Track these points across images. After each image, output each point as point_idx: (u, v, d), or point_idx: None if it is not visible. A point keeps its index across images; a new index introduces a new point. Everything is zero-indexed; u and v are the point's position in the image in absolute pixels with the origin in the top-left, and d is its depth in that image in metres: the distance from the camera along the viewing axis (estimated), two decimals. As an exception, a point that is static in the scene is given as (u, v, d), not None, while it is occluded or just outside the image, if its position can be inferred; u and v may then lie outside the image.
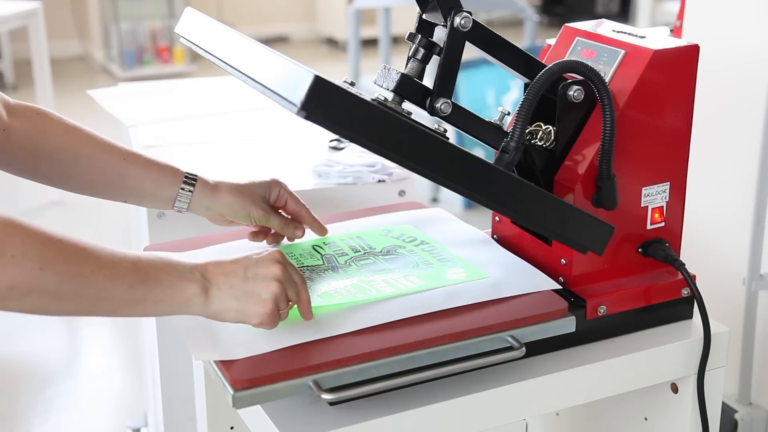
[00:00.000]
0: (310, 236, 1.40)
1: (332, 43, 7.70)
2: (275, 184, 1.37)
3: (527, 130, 1.26)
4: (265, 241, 1.37)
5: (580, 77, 1.23)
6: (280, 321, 1.13)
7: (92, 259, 1.01)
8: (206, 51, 1.19)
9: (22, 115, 1.30)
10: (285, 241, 1.37)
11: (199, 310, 1.08)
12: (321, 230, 1.39)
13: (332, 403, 1.11)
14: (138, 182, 1.34)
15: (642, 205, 1.29)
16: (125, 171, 1.33)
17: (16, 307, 0.97)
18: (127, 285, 1.03)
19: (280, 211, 1.38)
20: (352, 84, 1.14)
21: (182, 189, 1.34)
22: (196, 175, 1.35)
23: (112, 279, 1.02)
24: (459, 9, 1.18)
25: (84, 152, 1.32)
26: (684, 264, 1.29)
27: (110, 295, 1.02)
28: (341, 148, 1.85)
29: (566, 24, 1.38)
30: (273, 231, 1.37)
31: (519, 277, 1.26)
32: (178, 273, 1.07)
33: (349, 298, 1.21)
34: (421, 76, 1.22)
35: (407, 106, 1.18)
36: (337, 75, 1.11)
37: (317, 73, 0.96)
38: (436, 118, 1.19)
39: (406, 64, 1.23)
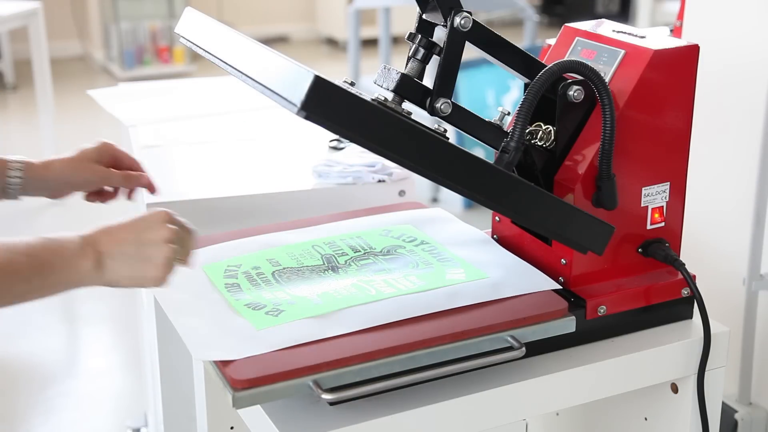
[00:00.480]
0: (310, 236, 1.40)
1: (332, 43, 7.70)
2: (105, 146, 1.44)
3: (527, 130, 1.26)
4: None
5: (580, 77, 1.23)
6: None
7: None
8: (206, 51, 1.19)
9: None
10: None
11: (96, 282, 1.12)
12: (150, 187, 1.48)
13: (332, 403, 1.11)
14: None
15: (642, 205, 1.29)
16: None
17: None
18: (23, 279, 1.07)
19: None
20: (352, 84, 1.14)
21: (9, 176, 1.36)
22: (22, 160, 1.38)
23: (8, 276, 1.06)
24: (459, 9, 1.18)
25: None
26: (684, 264, 1.29)
27: (9, 290, 1.07)
28: (341, 148, 1.85)
29: (566, 24, 1.38)
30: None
31: (519, 278, 1.26)
32: (70, 253, 1.10)
33: (349, 298, 1.21)
34: (421, 76, 1.22)
35: (407, 106, 1.18)
36: (337, 75, 1.11)
37: (317, 73, 0.96)
38: (436, 118, 1.19)
39: (406, 64, 1.23)
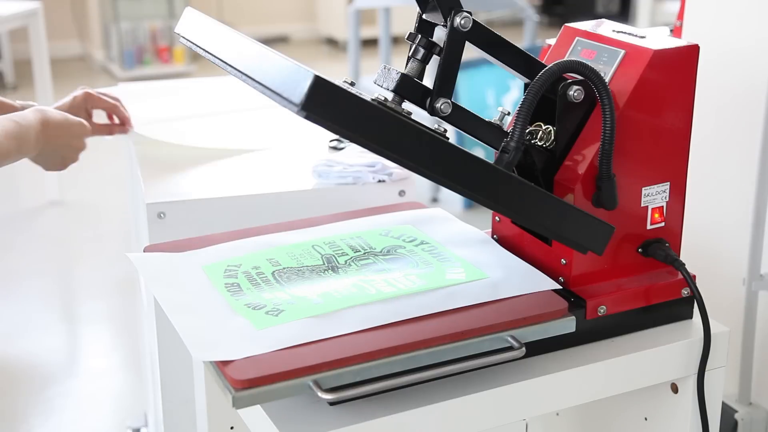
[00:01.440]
0: (310, 236, 1.40)
1: (332, 43, 7.70)
2: (81, 96, 1.73)
3: (527, 130, 1.26)
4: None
5: (580, 77, 1.23)
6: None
7: None
8: (206, 51, 1.19)
9: None
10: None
11: (29, 155, 1.50)
12: (123, 128, 1.85)
13: (332, 403, 1.11)
14: None
15: (642, 205, 1.29)
16: None
17: None
18: (10, 159, 1.44)
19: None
20: (352, 84, 1.14)
21: None
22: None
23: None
24: (459, 9, 1.18)
25: None
26: (684, 264, 1.29)
27: None
28: (341, 148, 1.85)
29: (566, 24, 1.38)
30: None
31: (519, 278, 1.26)
32: (24, 130, 1.45)
33: (350, 297, 1.21)
34: (421, 76, 1.22)
35: (407, 106, 1.18)
36: (337, 75, 1.11)
37: (317, 73, 0.96)
38: (436, 118, 1.19)
39: (406, 64, 1.23)
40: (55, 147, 1.52)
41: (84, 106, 1.74)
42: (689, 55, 1.26)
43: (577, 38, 1.34)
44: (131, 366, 3.11)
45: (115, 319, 3.49)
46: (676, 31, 2.13)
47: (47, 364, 3.14)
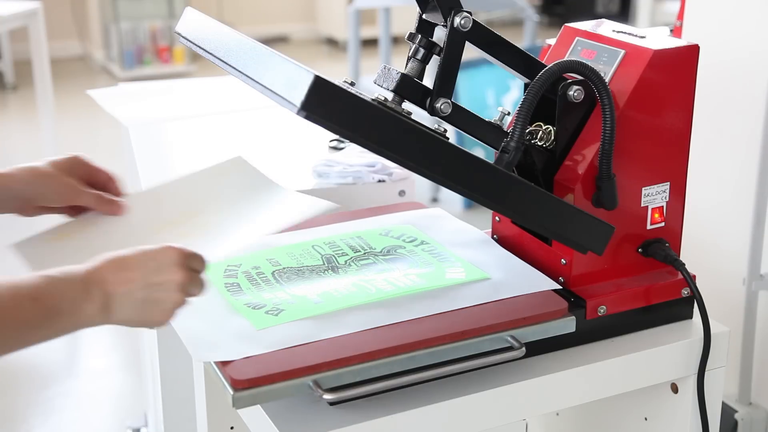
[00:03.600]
0: (310, 236, 1.40)
1: (332, 43, 7.70)
2: (76, 159, 1.27)
3: (527, 130, 1.26)
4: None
5: (580, 77, 1.23)
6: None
7: None
8: (206, 51, 1.19)
9: None
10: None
11: (102, 323, 1.04)
12: (117, 209, 1.28)
13: (332, 403, 1.11)
14: None
15: (642, 205, 1.29)
16: None
17: None
18: (33, 327, 0.99)
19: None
20: (352, 84, 1.14)
21: None
22: None
23: (18, 327, 0.99)
24: (459, 9, 1.18)
25: None
26: (684, 264, 1.29)
27: (17, 340, 1.00)
28: (341, 148, 1.85)
29: (566, 24, 1.38)
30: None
31: (519, 278, 1.26)
32: (77, 296, 1.01)
33: (350, 297, 1.21)
34: (421, 76, 1.22)
35: (407, 106, 1.18)
36: (337, 75, 1.11)
37: (317, 73, 0.96)
38: (436, 118, 1.19)
39: (406, 64, 1.23)
40: (133, 294, 1.04)
41: (79, 168, 1.28)
42: (689, 55, 1.26)
43: (577, 38, 1.34)
44: (131, 366, 3.11)
45: (115, 319, 3.48)
46: (676, 31, 2.13)
47: (47, 364, 3.14)
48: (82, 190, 1.25)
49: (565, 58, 1.28)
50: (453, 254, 1.34)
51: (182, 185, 1.34)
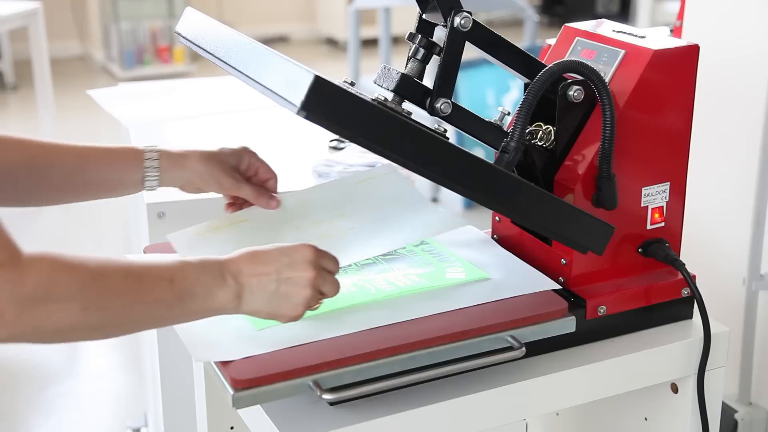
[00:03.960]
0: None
1: (332, 43, 7.70)
2: (246, 152, 1.35)
3: (527, 130, 1.26)
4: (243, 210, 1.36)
5: (580, 77, 1.23)
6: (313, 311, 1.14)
7: (132, 289, 1.00)
8: (206, 51, 1.19)
9: None
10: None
11: (233, 312, 1.08)
12: (272, 203, 1.35)
13: (332, 403, 1.11)
14: (103, 176, 1.30)
15: (642, 205, 1.29)
16: (85, 168, 1.29)
17: (59, 341, 0.98)
18: (165, 306, 1.03)
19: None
20: (352, 84, 1.14)
21: (147, 167, 1.29)
22: (158, 149, 1.31)
23: (151, 305, 1.02)
24: (459, 9, 1.18)
25: (40, 162, 1.27)
26: (684, 264, 1.29)
27: (150, 318, 1.03)
28: (341, 148, 1.85)
29: (566, 24, 1.38)
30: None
31: (519, 278, 1.26)
32: (211, 282, 1.05)
33: (350, 297, 1.21)
34: (421, 76, 1.22)
35: (407, 106, 1.18)
36: (337, 75, 1.11)
37: (317, 73, 0.96)
38: (436, 118, 1.19)
39: (406, 64, 1.23)
40: (266, 287, 1.08)
41: (245, 161, 1.35)
42: (689, 55, 1.26)
43: (577, 38, 1.34)
44: (131, 366, 3.11)
45: (115, 319, 3.48)
46: (676, 31, 2.13)
47: (47, 364, 3.14)
48: (244, 182, 1.33)
49: (565, 58, 1.28)
50: (453, 254, 1.34)
51: (332, 188, 1.42)
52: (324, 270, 1.11)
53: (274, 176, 1.36)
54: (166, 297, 1.03)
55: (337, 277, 1.11)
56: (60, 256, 0.96)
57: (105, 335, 1.02)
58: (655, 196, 1.29)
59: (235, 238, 1.29)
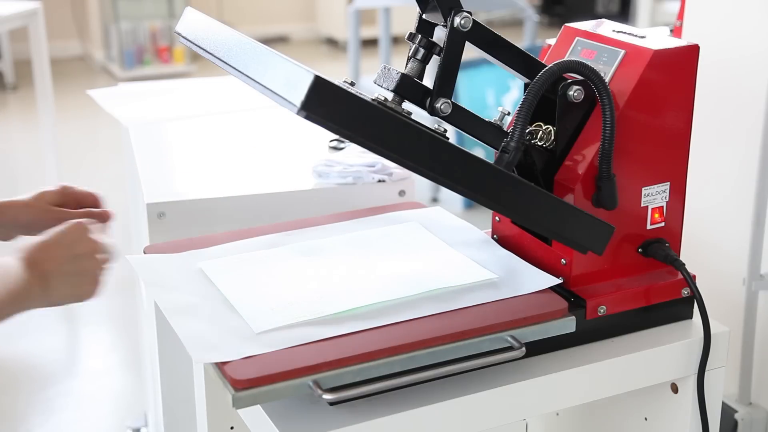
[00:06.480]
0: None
1: (332, 43, 7.70)
2: (65, 189, 1.35)
3: (527, 130, 1.26)
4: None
5: (580, 77, 1.23)
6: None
7: None
8: (206, 51, 1.19)
9: None
10: None
11: (43, 305, 1.09)
12: (105, 217, 1.34)
13: (332, 403, 1.11)
14: None
15: (642, 205, 1.29)
16: None
17: None
18: None
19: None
20: (352, 84, 1.14)
21: None
22: None
23: None
24: (459, 9, 1.18)
25: None
26: (684, 264, 1.29)
27: None
28: (341, 148, 1.85)
29: (566, 24, 1.38)
30: None
31: (519, 277, 1.26)
32: (17, 281, 1.06)
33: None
34: (421, 76, 1.22)
35: (407, 106, 1.18)
36: (337, 75, 1.11)
37: (317, 73, 0.96)
38: (436, 118, 1.19)
39: (406, 64, 1.23)
40: (66, 269, 1.11)
41: (68, 197, 1.35)
42: (689, 55, 1.26)
43: (577, 38, 1.34)
44: (131, 366, 3.11)
45: (115, 319, 3.49)
46: (676, 31, 2.13)
47: (47, 364, 3.14)
48: (69, 214, 1.31)
49: (565, 58, 1.28)
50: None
51: (357, 239, 1.41)
52: (94, 235, 1.13)
53: (98, 199, 1.36)
54: None
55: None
56: None
57: None
58: (655, 196, 1.29)
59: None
